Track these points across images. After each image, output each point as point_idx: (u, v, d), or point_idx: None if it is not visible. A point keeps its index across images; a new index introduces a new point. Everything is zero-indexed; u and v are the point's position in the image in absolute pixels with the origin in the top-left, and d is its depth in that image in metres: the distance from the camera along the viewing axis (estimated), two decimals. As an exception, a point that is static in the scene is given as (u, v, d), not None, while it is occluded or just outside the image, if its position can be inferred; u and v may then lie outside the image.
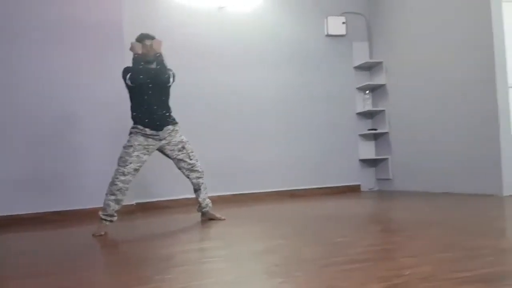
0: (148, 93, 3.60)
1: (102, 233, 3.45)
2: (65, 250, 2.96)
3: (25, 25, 4.81)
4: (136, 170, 3.57)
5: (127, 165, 3.51)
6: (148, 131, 3.60)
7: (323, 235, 2.87)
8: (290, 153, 5.98)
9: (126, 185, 3.52)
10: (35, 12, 4.85)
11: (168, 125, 3.70)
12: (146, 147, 3.61)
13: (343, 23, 6.23)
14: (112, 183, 3.50)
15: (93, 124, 4.97)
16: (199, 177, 3.84)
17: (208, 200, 3.95)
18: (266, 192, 5.82)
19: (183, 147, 3.76)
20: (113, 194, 3.49)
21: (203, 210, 3.94)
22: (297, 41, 6.10)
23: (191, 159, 3.79)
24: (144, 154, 3.61)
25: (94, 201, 4.74)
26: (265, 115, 5.90)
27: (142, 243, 3.04)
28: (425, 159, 5.49)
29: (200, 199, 3.90)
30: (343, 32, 6.24)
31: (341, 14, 6.26)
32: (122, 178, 3.49)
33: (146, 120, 3.60)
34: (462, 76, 4.90)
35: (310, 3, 6.20)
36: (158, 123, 3.62)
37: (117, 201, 3.51)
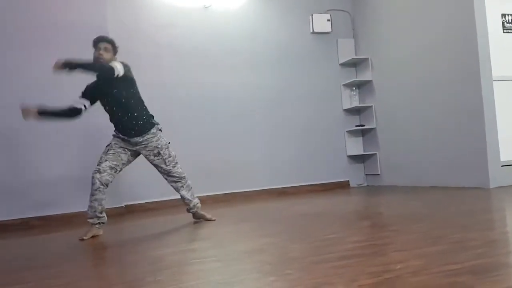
0: (109, 104, 3.54)
1: (85, 237, 3.41)
2: (53, 254, 2.92)
3: (7, 28, 4.75)
4: (112, 168, 3.50)
5: (102, 163, 3.49)
6: (121, 135, 3.60)
7: (313, 232, 2.87)
8: (278, 151, 5.99)
9: (104, 185, 3.47)
10: (17, 15, 4.80)
11: (140, 134, 3.57)
12: (123, 147, 3.60)
13: (328, 20, 6.25)
14: (91, 184, 3.46)
15: (74, 127, 4.90)
16: (176, 181, 3.73)
17: (196, 201, 3.85)
18: (255, 190, 5.82)
19: (158, 153, 3.63)
20: (93, 195, 3.46)
21: (191, 211, 3.88)
22: (283, 39, 6.10)
23: (166, 165, 3.66)
24: (122, 153, 3.58)
25: (79, 205, 4.73)
26: (252, 113, 5.89)
27: (132, 245, 3.02)
28: (413, 153, 5.53)
29: (185, 201, 3.81)
30: (328, 29, 6.25)
31: (326, 12, 6.28)
32: (98, 176, 3.45)
33: (118, 127, 3.60)
34: (447, 70, 4.95)
35: (295, 1, 6.21)
36: (127, 131, 3.56)
37: (98, 201, 3.46)
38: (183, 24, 5.66)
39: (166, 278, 1.96)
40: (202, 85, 5.66)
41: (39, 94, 4.81)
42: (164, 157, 3.65)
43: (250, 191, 5.80)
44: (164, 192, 5.28)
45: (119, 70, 3.41)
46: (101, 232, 3.55)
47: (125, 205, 5.15)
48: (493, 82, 4.62)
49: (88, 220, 3.51)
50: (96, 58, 3.49)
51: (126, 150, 3.61)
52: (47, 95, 4.84)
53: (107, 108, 3.59)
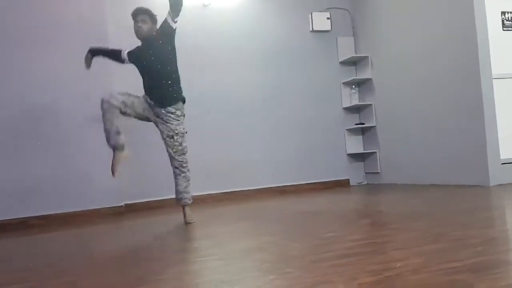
0: (144, 70, 3.70)
1: (116, 166, 3.47)
2: (54, 253, 2.93)
3: (6, 26, 4.75)
4: (123, 103, 3.52)
5: (118, 92, 3.56)
6: (149, 100, 3.70)
7: (313, 231, 2.88)
8: (279, 149, 5.99)
9: (113, 106, 3.46)
10: (17, 15, 4.79)
11: (168, 104, 3.67)
12: (145, 107, 3.68)
13: (328, 18, 6.25)
14: (101, 108, 3.50)
15: (75, 125, 4.91)
16: (176, 167, 3.74)
17: (185, 196, 3.76)
18: (255, 189, 5.82)
19: (172, 136, 3.69)
20: (103, 116, 3.47)
21: (181, 202, 3.79)
22: (282, 38, 6.10)
23: (173, 151, 3.71)
24: (139, 106, 3.64)
25: (78, 204, 4.75)
26: (252, 112, 5.89)
27: (133, 244, 3.02)
28: (412, 151, 5.54)
29: (176, 188, 3.77)
30: (327, 27, 6.25)
31: (326, 10, 6.28)
32: (107, 97, 3.47)
33: (148, 92, 3.71)
34: (446, 68, 4.95)
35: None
36: (156, 99, 3.68)
37: (110, 121, 3.46)
38: (182, 23, 5.63)
39: (167, 276, 1.96)
40: (202, 84, 5.66)
41: (40, 94, 4.82)
42: (175, 144, 3.70)
43: (250, 190, 5.80)
44: (164, 191, 5.29)
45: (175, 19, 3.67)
46: (126, 153, 3.56)
47: (125, 204, 5.15)
48: (493, 80, 4.62)
49: (109, 146, 3.52)
50: (136, 31, 3.69)
51: (145, 111, 3.68)
52: (47, 95, 4.85)
53: (142, 74, 3.73)
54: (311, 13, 6.20)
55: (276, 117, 6.02)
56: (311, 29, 6.22)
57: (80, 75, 4.93)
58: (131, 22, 5.51)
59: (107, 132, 3.49)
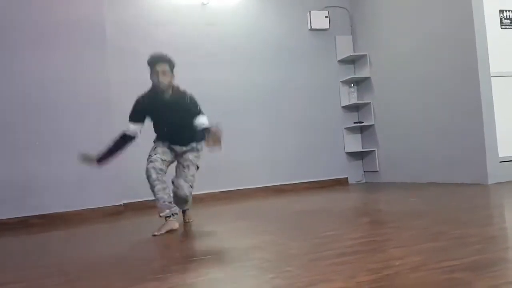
0: (160, 125, 3.47)
1: (157, 233, 3.20)
2: (53, 252, 2.93)
3: (5, 26, 4.74)
4: (163, 161, 3.37)
5: (152, 156, 3.35)
6: (166, 142, 3.51)
7: (312, 230, 2.88)
8: (277, 148, 5.99)
9: (160, 171, 3.30)
10: (15, 12, 4.78)
11: (188, 143, 3.50)
12: (170, 148, 3.49)
13: (326, 17, 6.24)
14: (148, 178, 3.31)
15: (74, 125, 4.90)
16: (174, 195, 3.42)
17: (183, 205, 3.62)
18: (253, 188, 5.82)
19: (188, 166, 3.47)
20: (154, 186, 3.29)
21: (184, 209, 3.74)
22: (281, 36, 6.10)
23: (184, 181, 3.41)
24: (169, 149, 3.47)
25: (79, 203, 4.74)
26: (251, 111, 5.89)
27: (131, 243, 3.02)
28: (411, 150, 5.54)
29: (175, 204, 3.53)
30: (326, 26, 6.24)
31: (324, 8, 6.27)
32: (151, 166, 3.29)
33: (163, 137, 3.52)
34: (445, 67, 4.95)
35: (293, -2, 6.21)
36: (176, 141, 3.50)
37: (162, 191, 3.30)
38: (181, 22, 5.65)
39: (166, 276, 1.97)
40: (199, 82, 5.63)
41: (40, 94, 4.81)
42: (187, 173, 3.45)
43: (248, 189, 5.80)
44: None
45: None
46: (177, 225, 3.37)
47: (124, 203, 5.14)
48: (491, 78, 4.62)
49: (160, 215, 3.34)
50: (156, 85, 3.34)
51: (172, 150, 3.50)
52: (47, 94, 4.84)
53: (156, 125, 3.51)
54: (310, 12, 6.19)
55: (274, 116, 6.01)
56: (309, 27, 6.22)
57: (80, 75, 4.95)
58: (130, 22, 5.54)
59: (161, 202, 3.30)
